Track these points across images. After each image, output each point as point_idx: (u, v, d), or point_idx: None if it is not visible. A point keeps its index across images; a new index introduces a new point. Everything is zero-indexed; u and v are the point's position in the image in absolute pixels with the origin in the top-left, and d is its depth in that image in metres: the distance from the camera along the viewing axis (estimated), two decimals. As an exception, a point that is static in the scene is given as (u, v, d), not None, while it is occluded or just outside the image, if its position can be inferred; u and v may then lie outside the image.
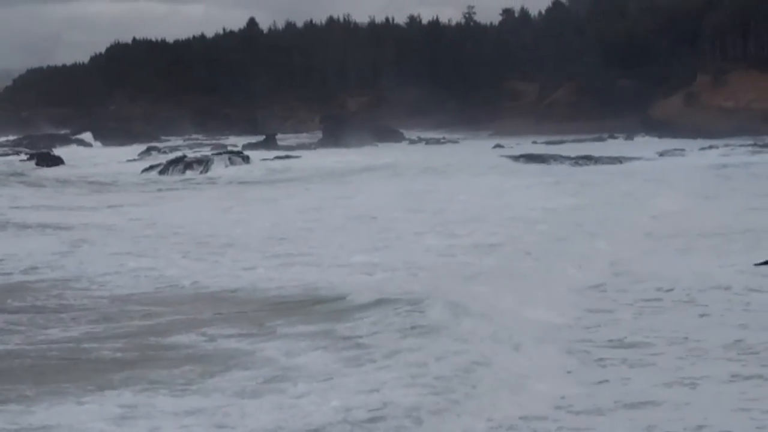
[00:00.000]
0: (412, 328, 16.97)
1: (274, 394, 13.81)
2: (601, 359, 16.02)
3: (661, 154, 77.40)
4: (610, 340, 17.17)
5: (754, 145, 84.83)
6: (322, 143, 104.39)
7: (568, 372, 15.25)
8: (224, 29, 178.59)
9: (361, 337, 16.75)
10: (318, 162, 69.04)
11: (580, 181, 49.36)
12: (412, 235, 30.00)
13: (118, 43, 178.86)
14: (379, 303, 19.22)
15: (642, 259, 25.49)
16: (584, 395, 13.99)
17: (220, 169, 65.51)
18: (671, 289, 21.24)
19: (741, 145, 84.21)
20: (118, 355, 16.45)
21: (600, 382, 14.70)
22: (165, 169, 65.59)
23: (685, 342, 16.80)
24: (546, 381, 14.45)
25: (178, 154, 77.79)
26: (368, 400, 13.08)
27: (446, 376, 14.07)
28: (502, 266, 23.57)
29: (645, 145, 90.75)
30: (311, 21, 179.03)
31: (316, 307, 19.66)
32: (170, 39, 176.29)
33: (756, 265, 23.63)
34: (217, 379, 14.70)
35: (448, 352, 15.23)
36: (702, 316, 18.78)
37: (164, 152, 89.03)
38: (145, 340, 17.42)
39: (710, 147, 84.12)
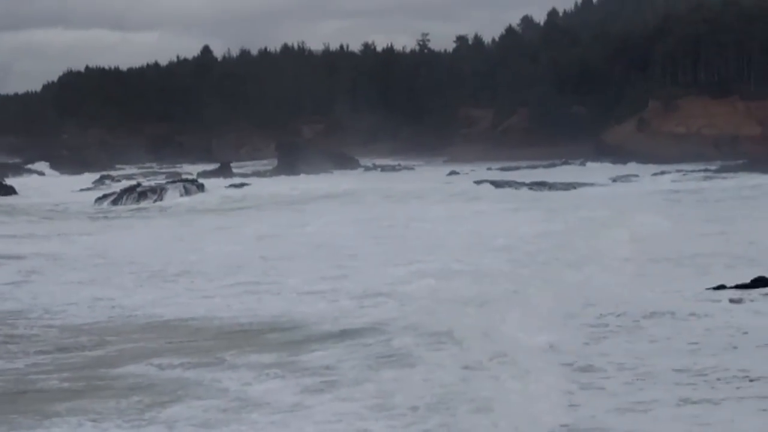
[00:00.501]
0: (377, 357, 16.87)
1: (229, 424, 13.76)
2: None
3: (614, 180, 78.04)
4: (562, 364, 17.14)
5: (706, 170, 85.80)
6: (278, 170, 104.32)
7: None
8: (178, 57, 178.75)
9: (324, 366, 16.62)
10: (274, 189, 68.83)
11: (538, 207, 49.56)
12: (373, 262, 29.66)
13: (71, 71, 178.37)
14: (340, 332, 19.20)
15: (592, 284, 25.54)
16: (535, 420, 13.97)
17: (174, 197, 65.16)
18: (622, 314, 21.29)
19: (692, 171, 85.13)
20: (66, 385, 16.26)
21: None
22: (119, 198, 65.13)
23: (635, 367, 16.82)
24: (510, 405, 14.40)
25: (132, 182, 77.37)
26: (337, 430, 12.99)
27: (415, 406, 14.00)
28: (468, 293, 23.35)
29: (598, 171, 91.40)
30: (266, 49, 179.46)
31: (273, 336, 19.54)
32: (124, 67, 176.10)
33: (708, 289, 23.83)
34: (168, 410, 14.57)
35: (416, 381, 15.15)
36: (652, 341, 18.85)
37: (118, 180, 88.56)
38: (94, 370, 17.24)
39: (662, 172, 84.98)
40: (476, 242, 34.23)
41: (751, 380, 15.56)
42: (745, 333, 18.96)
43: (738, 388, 15.21)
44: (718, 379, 15.70)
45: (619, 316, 21.12)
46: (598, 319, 20.96)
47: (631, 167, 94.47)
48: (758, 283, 23.79)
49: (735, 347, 17.87)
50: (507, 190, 65.11)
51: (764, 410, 13.94)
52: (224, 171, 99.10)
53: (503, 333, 18.65)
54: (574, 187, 68.16)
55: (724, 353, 17.40)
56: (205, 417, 14.18)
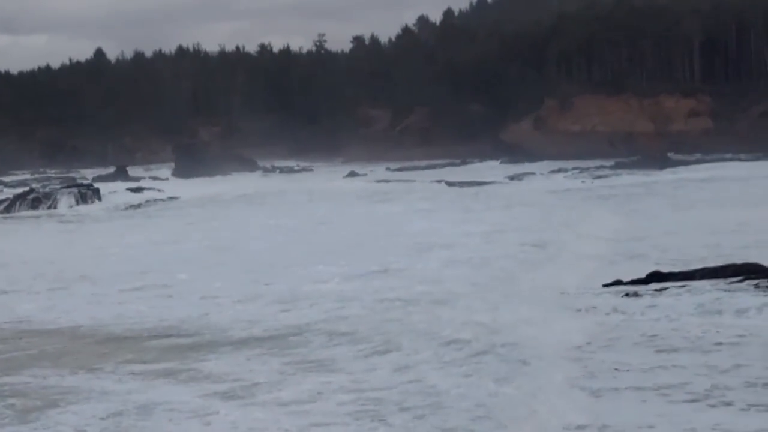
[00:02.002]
0: (288, 363, 16.54)
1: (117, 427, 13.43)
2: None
3: (512, 178, 78.89)
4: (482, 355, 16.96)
5: (600, 167, 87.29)
6: (175, 174, 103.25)
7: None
8: (70, 60, 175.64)
9: (232, 372, 16.19)
10: (173, 193, 68.02)
11: (453, 205, 49.78)
12: (288, 264, 29.09)
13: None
14: (252, 337, 18.83)
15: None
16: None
17: (69, 203, 63.96)
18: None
19: (587, 168, 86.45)
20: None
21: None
22: (11, 204, 63.65)
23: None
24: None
25: (25, 188, 75.77)
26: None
27: (327, 411, 13.65)
28: (391, 295, 22.78)
29: (496, 170, 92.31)
30: (160, 50, 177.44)
31: (172, 341, 19.05)
32: (14, 71, 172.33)
33: (604, 285, 24.08)
34: (47, 414, 14.15)
35: (331, 387, 14.80)
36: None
37: (11, 186, 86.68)
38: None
39: (559, 170, 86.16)
40: (398, 242, 33.84)
41: (626, 371, 15.69)
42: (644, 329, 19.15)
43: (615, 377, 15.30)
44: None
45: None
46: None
47: (529, 165, 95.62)
48: (653, 278, 24.12)
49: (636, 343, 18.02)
50: (414, 192, 64.69)
51: (644, 401, 14.04)
52: (120, 175, 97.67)
53: (433, 333, 18.26)
54: (479, 185, 68.75)
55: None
56: (85, 422, 13.70)
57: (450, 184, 69.19)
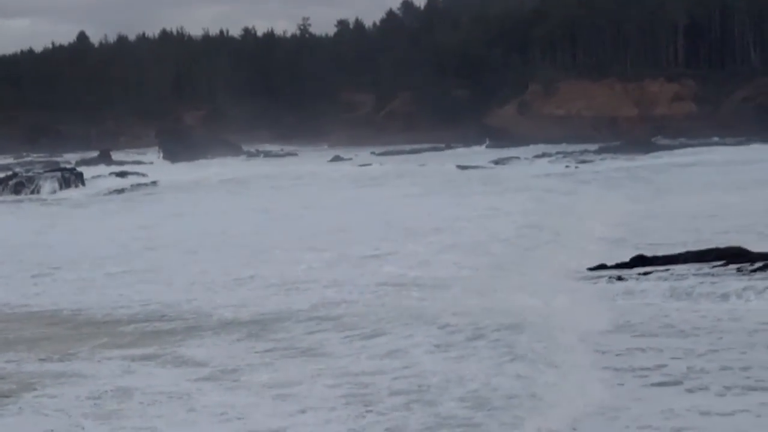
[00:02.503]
0: (272, 349, 16.44)
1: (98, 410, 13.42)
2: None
3: (496, 163, 78.93)
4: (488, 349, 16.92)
5: (585, 152, 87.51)
6: (160, 158, 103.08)
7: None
8: (53, 43, 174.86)
9: (216, 356, 16.11)
10: (156, 177, 67.74)
11: (435, 189, 49.77)
12: (268, 249, 28.75)
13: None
14: (239, 321, 18.74)
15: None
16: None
17: (52, 187, 63.68)
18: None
19: (571, 153, 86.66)
20: None
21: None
22: (-6, 188, 63.39)
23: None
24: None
25: (8, 173, 75.42)
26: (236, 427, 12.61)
27: (315, 396, 13.54)
28: (377, 280, 22.52)
29: (481, 154, 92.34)
30: (144, 34, 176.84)
31: (156, 326, 18.96)
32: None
33: (589, 269, 24.19)
34: (26, 397, 14.12)
35: (314, 373, 14.69)
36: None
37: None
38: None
39: (543, 154, 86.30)
40: (389, 226, 33.55)
41: (603, 353, 15.90)
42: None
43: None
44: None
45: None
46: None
47: (514, 150, 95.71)
48: (637, 261, 24.24)
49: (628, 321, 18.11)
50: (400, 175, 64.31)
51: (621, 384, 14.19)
52: (104, 159, 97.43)
53: (425, 318, 18.17)
54: (464, 169, 68.72)
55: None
56: (63, 405, 13.65)
57: (462, 167, 69.13)
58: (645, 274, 22.85)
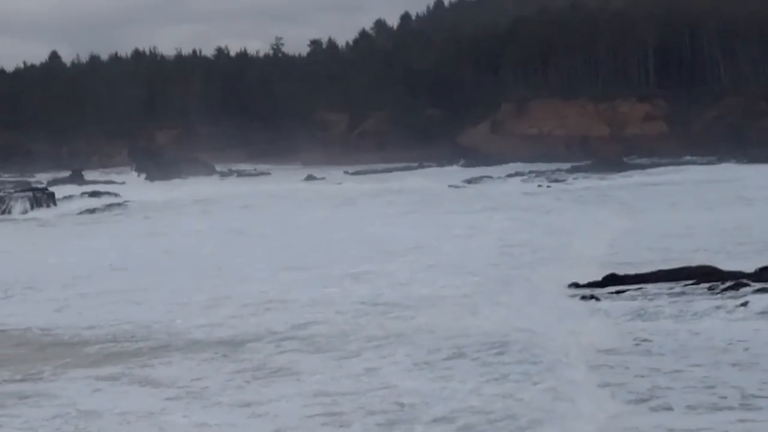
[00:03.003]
0: (242, 370, 16.36)
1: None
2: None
3: (469, 182, 79.15)
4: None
5: (557, 171, 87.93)
6: (132, 178, 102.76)
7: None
8: (25, 63, 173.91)
9: (184, 377, 16.04)
10: (129, 197, 67.47)
11: (412, 208, 49.95)
12: (242, 270, 28.60)
13: None
14: (208, 341, 18.71)
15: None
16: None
17: (23, 207, 63.25)
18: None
19: (544, 172, 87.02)
20: None
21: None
22: (-36, 209, 62.89)
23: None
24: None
25: (-21, 192, 74.85)
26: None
27: (290, 415, 13.50)
28: (354, 300, 22.45)
29: (454, 174, 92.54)
30: (116, 54, 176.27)
31: (124, 346, 18.89)
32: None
33: (568, 286, 24.40)
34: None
35: (286, 394, 14.64)
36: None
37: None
38: None
39: (516, 174, 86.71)
40: (369, 246, 33.40)
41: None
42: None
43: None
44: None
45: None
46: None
47: (486, 169, 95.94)
48: (609, 280, 24.37)
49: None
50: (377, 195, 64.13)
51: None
52: (76, 179, 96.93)
53: (404, 338, 18.15)
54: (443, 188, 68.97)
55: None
56: (29, 426, 13.60)
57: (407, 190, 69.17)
58: (617, 293, 22.98)
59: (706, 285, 22.50)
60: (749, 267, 24.19)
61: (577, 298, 22.82)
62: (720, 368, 15.81)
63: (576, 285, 24.33)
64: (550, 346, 17.16)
